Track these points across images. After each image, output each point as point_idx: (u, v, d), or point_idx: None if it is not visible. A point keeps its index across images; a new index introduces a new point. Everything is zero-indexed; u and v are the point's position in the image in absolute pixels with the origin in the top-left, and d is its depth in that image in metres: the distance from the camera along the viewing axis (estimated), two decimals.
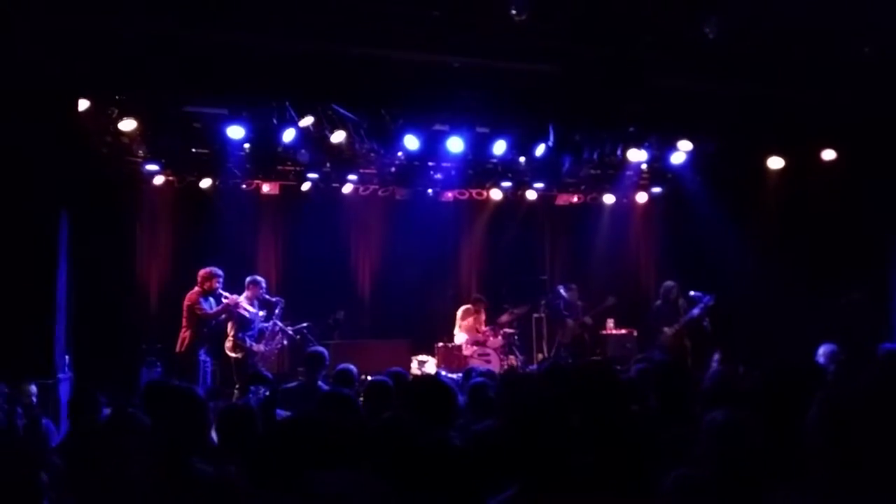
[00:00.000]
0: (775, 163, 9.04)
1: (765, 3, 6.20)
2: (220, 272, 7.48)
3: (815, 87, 7.67)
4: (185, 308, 7.36)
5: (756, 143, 8.93)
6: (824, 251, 8.81)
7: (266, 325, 7.72)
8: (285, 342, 8.00)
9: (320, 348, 6.14)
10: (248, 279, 7.79)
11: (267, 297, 7.89)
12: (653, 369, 3.75)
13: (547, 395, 2.45)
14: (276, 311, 7.83)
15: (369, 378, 5.03)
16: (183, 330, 7.31)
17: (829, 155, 8.75)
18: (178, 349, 7.34)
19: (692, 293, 8.87)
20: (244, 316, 7.53)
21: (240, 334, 7.49)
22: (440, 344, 9.36)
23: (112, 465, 1.71)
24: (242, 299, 7.57)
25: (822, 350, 5.57)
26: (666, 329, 8.84)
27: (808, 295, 8.57)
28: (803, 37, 6.86)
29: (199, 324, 7.27)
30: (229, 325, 7.53)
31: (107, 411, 3.90)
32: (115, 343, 8.19)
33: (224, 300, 7.38)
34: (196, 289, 7.43)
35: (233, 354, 7.51)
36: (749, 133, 8.70)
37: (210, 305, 7.41)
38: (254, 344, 7.55)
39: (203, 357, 7.28)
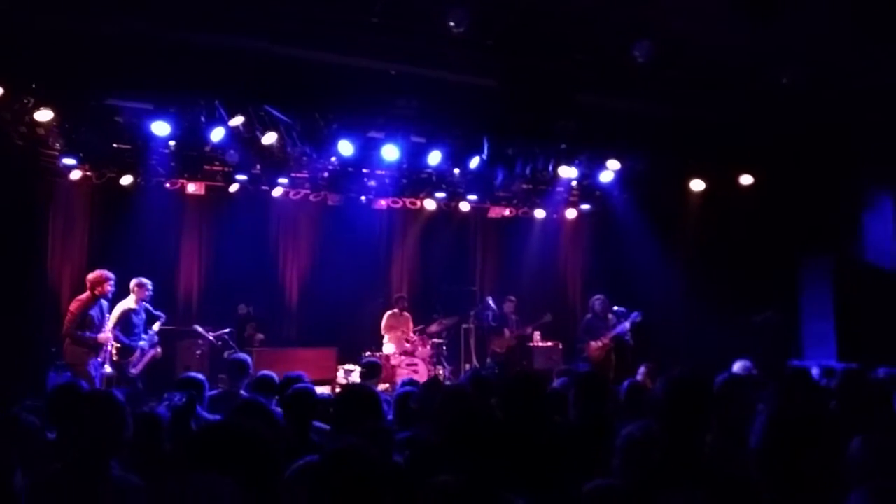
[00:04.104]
0: (697, 185, 9.44)
1: (692, 31, 6.48)
2: (111, 276, 7.00)
3: (734, 113, 8.08)
4: (69, 313, 6.86)
5: (679, 165, 9.31)
6: (740, 271, 9.26)
7: (144, 335, 7.35)
8: (158, 351, 7.55)
9: (243, 355, 5.93)
10: (133, 282, 7.29)
11: (150, 307, 7.46)
12: (574, 381, 3.80)
13: (476, 407, 2.44)
14: (157, 325, 7.46)
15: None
16: (67, 339, 6.85)
17: (746, 180, 9.21)
18: (66, 360, 6.89)
19: (617, 308, 9.10)
20: (131, 322, 7.15)
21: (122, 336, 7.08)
22: (368, 353, 9.25)
23: None
24: (131, 301, 7.18)
25: (737, 366, 5.81)
26: (592, 343, 9.01)
27: (725, 312, 8.96)
28: (725, 65, 7.21)
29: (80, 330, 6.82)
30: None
31: None
32: (21, 345, 7.69)
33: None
34: (86, 294, 6.93)
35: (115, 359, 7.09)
36: (673, 155, 9.06)
37: (100, 310, 6.96)
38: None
39: (93, 361, 6.84)
